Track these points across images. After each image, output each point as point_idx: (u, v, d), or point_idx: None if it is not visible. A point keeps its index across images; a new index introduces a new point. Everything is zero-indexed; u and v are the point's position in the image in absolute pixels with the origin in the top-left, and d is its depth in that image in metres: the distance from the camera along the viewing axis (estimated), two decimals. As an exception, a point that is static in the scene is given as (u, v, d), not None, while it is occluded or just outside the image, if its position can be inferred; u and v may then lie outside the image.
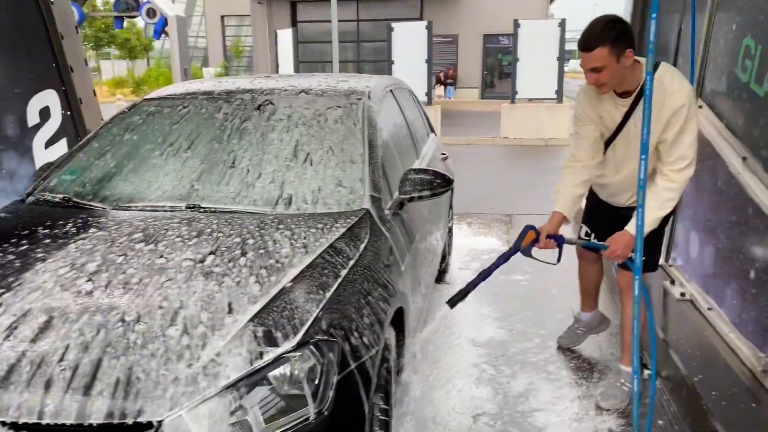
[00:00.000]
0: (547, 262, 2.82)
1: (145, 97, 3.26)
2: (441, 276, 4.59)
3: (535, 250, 2.78)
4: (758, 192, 2.67)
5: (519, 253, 2.80)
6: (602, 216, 2.89)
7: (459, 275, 4.68)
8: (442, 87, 23.72)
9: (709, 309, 3.21)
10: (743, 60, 2.89)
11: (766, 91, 2.62)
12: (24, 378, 1.57)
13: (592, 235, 3.01)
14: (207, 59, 38.07)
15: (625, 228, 2.55)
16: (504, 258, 2.83)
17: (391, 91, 3.61)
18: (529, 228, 2.76)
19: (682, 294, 3.51)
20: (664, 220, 2.70)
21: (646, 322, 2.68)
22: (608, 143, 2.74)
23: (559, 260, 2.81)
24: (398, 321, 2.38)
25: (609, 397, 2.86)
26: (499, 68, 23.97)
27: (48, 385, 1.56)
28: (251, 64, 28.98)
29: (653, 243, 2.74)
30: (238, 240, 2.11)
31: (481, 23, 23.41)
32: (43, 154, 5.28)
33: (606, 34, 2.38)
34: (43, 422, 1.52)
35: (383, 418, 2.01)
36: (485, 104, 21.25)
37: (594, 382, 3.08)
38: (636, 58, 2.48)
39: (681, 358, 2.87)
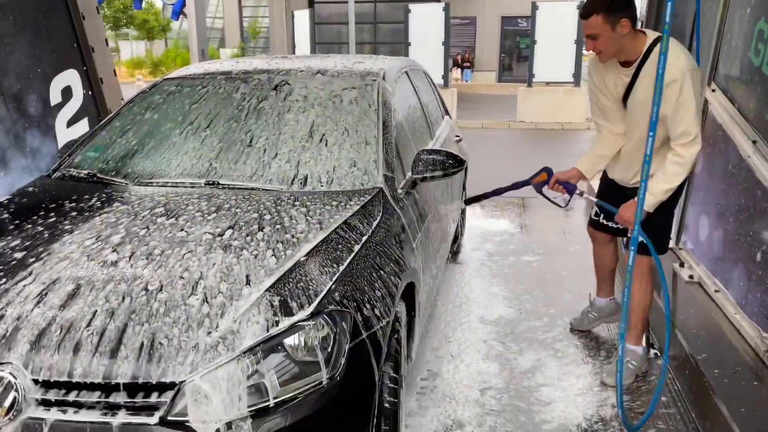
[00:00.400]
0: (554, 202, 3.11)
1: (165, 77, 3.34)
2: (454, 256, 4.66)
3: (547, 191, 3.00)
4: (767, 175, 2.70)
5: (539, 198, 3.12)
6: (612, 197, 2.94)
7: (471, 255, 4.75)
8: (459, 70, 23.59)
9: (717, 291, 3.25)
10: (756, 43, 2.90)
11: (778, 74, 2.64)
12: (54, 342, 1.67)
13: (602, 216, 3.10)
14: (224, 40, 38.14)
15: (632, 200, 2.65)
16: (516, 185, 3.07)
17: (405, 72, 3.66)
18: (544, 169, 2.99)
19: (691, 276, 3.55)
20: (672, 203, 2.79)
21: (651, 303, 2.85)
22: (626, 110, 2.81)
23: (567, 205, 3.06)
24: (410, 296, 2.47)
25: (613, 374, 2.82)
26: (517, 51, 23.77)
27: (77, 349, 1.66)
28: (268, 45, 28.95)
29: (662, 224, 2.83)
30: (255, 215, 2.19)
31: (500, 5, 23.18)
32: (65, 133, 5.41)
33: (601, 3, 2.52)
34: (74, 380, 1.62)
35: (392, 386, 2.10)
36: (502, 87, 21.12)
37: (600, 360, 3.15)
38: (642, 30, 2.60)
39: (686, 338, 2.93)
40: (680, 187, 2.74)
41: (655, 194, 2.58)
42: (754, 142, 2.87)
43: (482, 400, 2.80)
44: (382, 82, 3.07)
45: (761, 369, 2.61)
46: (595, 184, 3.34)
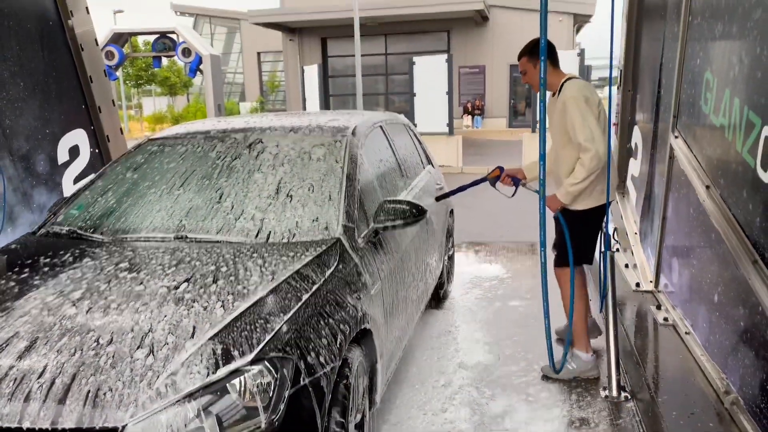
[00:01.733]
0: (504, 194, 3.84)
1: (150, 137, 3.55)
2: (440, 302, 4.73)
3: (499, 185, 3.73)
4: (718, 219, 2.78)
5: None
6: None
7: (458, 301, 4.82)
8: (470, 117, 23.95)
9: (687, 333, 3.28)
10: (705, 92, 3.02)
11: (721, 122, 2.74)
12: (7, 392, 1.80)
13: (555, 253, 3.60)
14: (244, 94, 39.31)
15: (555, 193, 3.35)
16: (475, 182, 3.80)
17: (380, 126, 3.83)
18: (497, 167, 3.72)
19: (665, 319, 3.58)
20: (591, 223, 3.36)
21: (586, 309, 3.48)
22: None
23: (513, 195, 3.75)
24: (370, 342, 2.56)
25: (553, 372, 3.42)
26: (527, 97, 24.11)
27: (28, 398, 1.78)
28: (286, 98, 29.78)
29: (585, 238, 3.39)
30: (212, 268, 2.33)
31: (508, 54, 23.64)
32: (71, 189, 5.67)
33: (526, 48, 3.41)
34: (24, 427, 1.74)
35: (339, 430, 2.17)
36: (512, 133, 21.35)
37: (570, 404, 3.17)
38: (561, 70, 3.37)
39: (653, 380, 2.96)
40: (600, 213, 3.31)
41: (566, 188, 3.26)
42: (707, 187, 2.96)
43: (446, 445, 2.84)
44: (351, 137, 3.24)
45: (720, 410, 2.63)
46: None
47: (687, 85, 3.41)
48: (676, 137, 3.55)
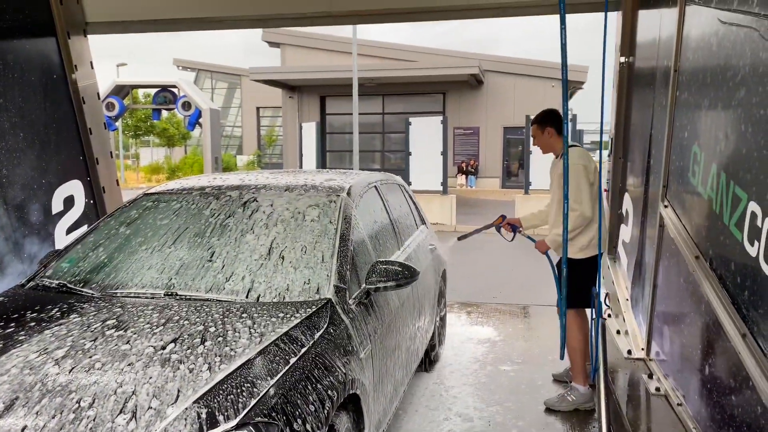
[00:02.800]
0: (505, 239, 4.43)
1: (145, 192, 3.58)
2: (431, 365, 4.67)
3: (502, 231, 4.37)
4: (708, 290, 2.79)
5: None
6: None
7: (449, 364, 4.76)
8: (464, 176, 24.24)
9: (679, 404, 3.24)
10: (693, 165, 3.08)
11: (709, 195, 2.79)
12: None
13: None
14: (242, 147, 39.76)
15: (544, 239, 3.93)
16: (485, 227, 4.46)
17: (375, 186, 3.88)
18: (500, 216, 4.38)
19: (657, 389, 3.54)
20: (585, 272, 3.80)
21: (584, 346, 3.92)
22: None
23: (512, 240, 4.43)
24: (358, 407, 2.51)
25: (553, 401, 3.91)
26: (520, 159, 24.52)
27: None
28: (283, 153, 30.12)
29: (576, 283, 3.77)
30: (201, 328, 2.31)
31: (502, 116, 24.22)
32: (63, 240, 5.65)
33: (536, 118, 4.10)
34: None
35: (324, 500, 2.11)
36: (505, 193, 21.57)
37: (562, 476, 3.10)
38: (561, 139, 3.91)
39: (645, 454, 2.90)
40: (592, 264, 3.77)
41: (552, 236, 3.88)
42: (696, 257, 2.98)
43: None
44: (346, 197, 3.27)
45: (713, 488, 2.57)
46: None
47: (676, 156, 3.48)
48: (666, 206, 3.60)
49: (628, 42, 5.18)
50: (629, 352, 4.22)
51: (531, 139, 4.20)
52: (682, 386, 3.27)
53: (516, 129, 23.58)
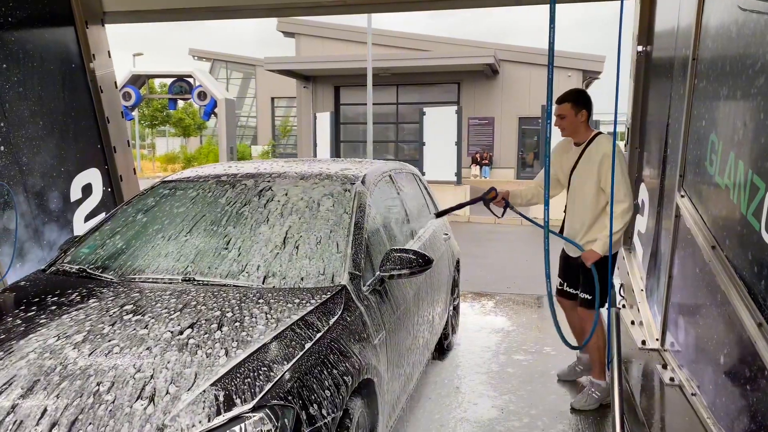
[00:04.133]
0: (494, 214, 4.00)
1: (162, 179, 3.62)
2: (443, 353, 4.69)
3: (492, 206, 3.86)
4: (724, 280, 2.78)
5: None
6: (568, 268, 3.91)
7: (463, 353, 4.77)
8: (478, 167, 24.15)
9: (693, 394, 3.23)
10: (710, 154, 3.06)
11: (726, 184, 2.77)
12: None
13: (565, 284, 3.95)
14: (256, 137, 39.91)
15: (591, 247, 3.52)
16: (473, 201, 3.90)
17: (389, 175, 3.89)
18: (492, 189, 3.80)
19: (671, 379, 3.54)
20: (614, 264, 3.55)
21: (605, 343, 3.53)
22: (570, 182, 3.75)
23: (502, 216, 3.91)
24: (372, 392, 2.54)
25: (581, 401, 3.74)
26: (535, 149, 24.35)
27: (30, 435, 1.78)
28: (297, 143, 30.19)
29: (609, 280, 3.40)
30: (218, 313, 2.34)
31: (517, 106, 24.04)
32: (82, 228, 5.74)
33: (571, 95, 3.63)
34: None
35: (338, 482, 2.14)
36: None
37: (574, 464, 3.11)
38: (590, 127, 3.66)
39: (658, 443, 2.90)
40: (614, 258, 3.55)
41: (601, 239, 3.44)
42: (713, 247, 2.96)
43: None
44: (361, 186, 3.29)
45: (727, 477, 2.57)
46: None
47: (693, 146, 3.46)
48: (682, 196, 3.58)
49: (646, 31, 5.12)
50: (643, 342, 4.22)
51: (553, 118, 3.58)
52: (696, 376, 3.26)
53: (531, 119, 23.42)
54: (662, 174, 4.29)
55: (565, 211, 3.82)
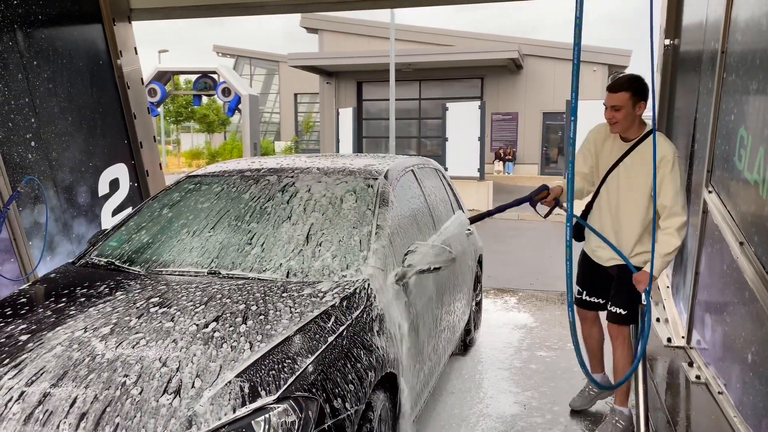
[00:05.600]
0: (539, 213, 3.29)
1: (188, 174, 3.67)
2: (466, 349, 4.69)
3: (539, 206, 3.27)
4: (752, 277, 2.73)
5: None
6: (591, 275, 3.39)
7: (485, 348, 4.77)
8: (501, 162, 24.01)
9: (720, 393, 3.19)
10: (739, 149, 3.01)
11: (756, 179, 2.72)
12: (41, 420, 1.84)
13: (584, 293, 3.45)
14: (279, 133, 40.14)
15: (643, 269, 3.01)
16: (518, 202, 3.30)
17: (412, 170, 3.89)
18: (544, 188, 3.23)
19: (697, 377, 3.49)
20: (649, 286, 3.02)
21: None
22: (605, 179, 3.20)
23: (547, 216, 3.29)
24: (394, 386, 2.56)
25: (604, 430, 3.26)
26: (559, 145, 24.12)
27: (61, 424, 1.82)
28: (320, 139, 30.32)
29: (634, 297, 3.13)
30: (242, 306, 2.37)
31: (541, 101, 23.84)
32: (109, 221, 5.84)
33: (630, 83, 3.01)
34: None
35: (361, 474, 2.16)
36: (544, 180, 21.26)
37: (597, 461, 3.09)
38: (643, 120, 3.10)
39: (683, 441, 2.87)
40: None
41: (662, 261, 2.96)
42: (741, 243, 2.92)
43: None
44: (384, 181, 3.30)
45: (754, 476, 2.53)
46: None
47: (721, 141, 3.40)
48: (710, 192, 3.52)
49: (673, 24, 5.04)
50: (669, 340, 4.17)
51: (608, 111, 3.03)
52: (723, 375, 3.22)
53: (555, 114, 23.20)
54: (689, 169, 4.23)
55: (586, 211, 3.35)
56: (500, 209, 3.35)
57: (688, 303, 3.92)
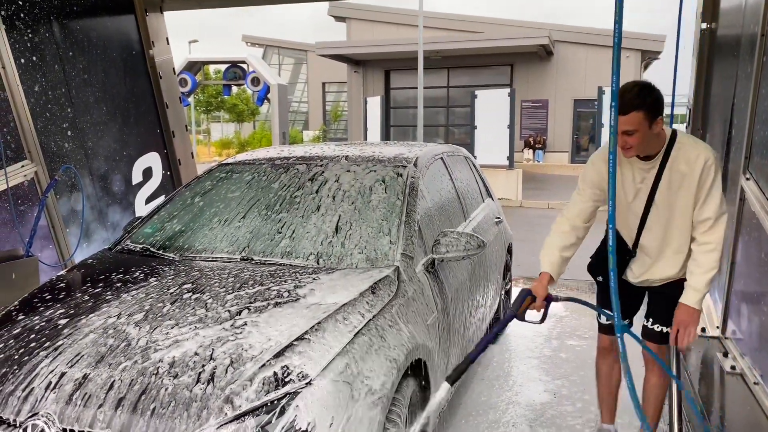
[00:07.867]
0: (533, 323, 2.72)
1: (220, 162, 3.71)
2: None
3: (528, 314, 2.68)
4: (791, 265, 2.67)
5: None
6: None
7: (515, 337, 4.75)
8: (531, 150, 23.75)
9: (756, 383, 3.13)
10: (780, 134, 2.93)
11: (797, 165, 2.65)
12: (82, 400, 1.90)
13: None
14: (308, 123, 40.33)
15: (680, 301, 2.56)
16: (502, 327, 2.70)
17: (441, 158, 3.88)
18: (526, 294, 2.64)
19: (733, 367, 3.43)
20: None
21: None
22: (647, 208, 2.66)
23: (543, 320, 2.74)
24: (424, 371, 2.57)
25: None
26: (590, 133, 23.75)
27: (100, 407, 1.88)
28: (348, 128, 30.36)
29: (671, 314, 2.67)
30: (274, 292, 2.40)
31: (572, 88, 23.46)
32: (143, 209, 5.96)
33: (642, 100, 2.40)
34: (95, 431, 1.84)
35: (391, 458, 2.18)
36: (574, 169, 21.00)
37: (628, 451, 3.07)
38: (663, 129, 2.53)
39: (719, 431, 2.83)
40: None
41: (699, 289, 2.52)
42: (780, 231, 2.85)
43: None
44: (413, 168, 3.30)
45: (791, 468, 2.49)
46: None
47: (760, 126, 3.31)
48: (748, 179, 3.44)
49: (711, 7, 4.91)
50: (703, 330, 4.10)
51: (619, 136, 2.43)
52: (760, 365, 3.16)
53: (587, 101, 22.81)
54: (726, 156, 4.13)
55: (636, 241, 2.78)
56: (482, 348, 2.55)
57: (724, 292, 3.84)
